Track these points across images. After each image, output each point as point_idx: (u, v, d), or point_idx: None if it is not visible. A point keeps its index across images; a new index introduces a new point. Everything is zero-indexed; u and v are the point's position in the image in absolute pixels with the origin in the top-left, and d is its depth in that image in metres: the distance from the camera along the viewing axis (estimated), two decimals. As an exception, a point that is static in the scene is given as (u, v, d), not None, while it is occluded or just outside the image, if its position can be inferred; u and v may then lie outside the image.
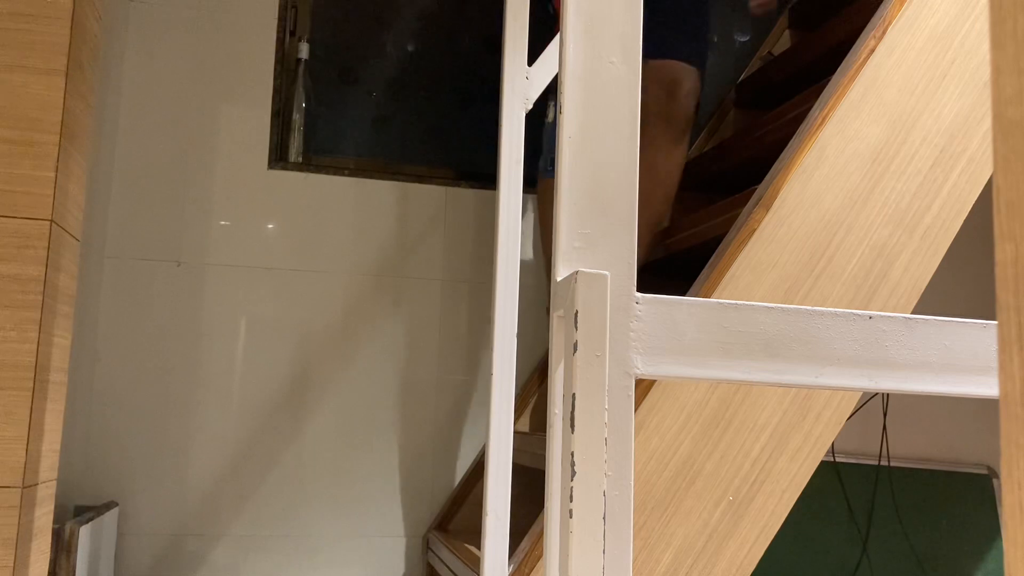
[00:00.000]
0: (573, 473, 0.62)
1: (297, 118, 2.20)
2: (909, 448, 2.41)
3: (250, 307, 2.09)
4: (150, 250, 2.05)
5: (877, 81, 1.41)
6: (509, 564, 1.35)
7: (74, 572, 1.52)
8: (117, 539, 1.95)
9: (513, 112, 1.41)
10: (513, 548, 1.37)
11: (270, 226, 2.12)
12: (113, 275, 2.02)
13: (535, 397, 2.15)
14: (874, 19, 1.45)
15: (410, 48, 2.32)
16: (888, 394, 2.39)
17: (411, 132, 2.29)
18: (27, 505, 1.07)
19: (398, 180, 2.22)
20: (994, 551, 2.38)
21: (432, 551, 2.04)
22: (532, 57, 1.45)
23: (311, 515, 2.07)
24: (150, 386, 2.02)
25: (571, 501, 0.62)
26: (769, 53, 2.43)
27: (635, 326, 0.64)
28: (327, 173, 2.18)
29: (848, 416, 1.36)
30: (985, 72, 1.44)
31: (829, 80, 1.48)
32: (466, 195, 2.25)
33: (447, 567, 1.84)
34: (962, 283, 2.47)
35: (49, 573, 1.38)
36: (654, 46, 1.89)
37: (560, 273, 0.66)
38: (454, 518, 2.11)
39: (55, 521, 1.53)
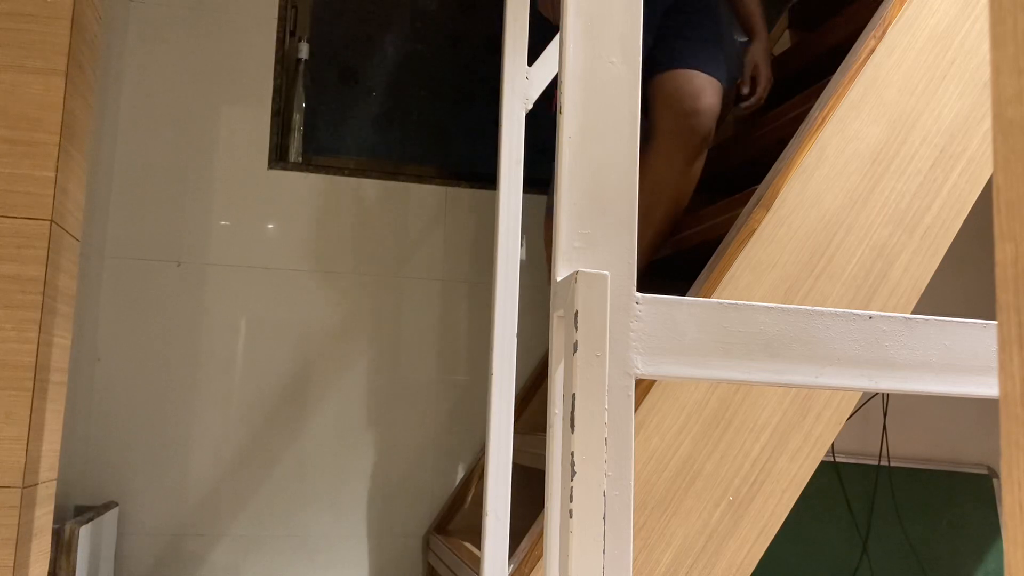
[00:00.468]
0: (573, 473, 0.62)
1: (297, 118, 2.20)
2: (909, 448, 2.41)
3: (250, 307, 2.09)
4: (150, 250, 2.05)
5: (877, 81, 1.41)
6: (509, 564, 1.35)
7: (74, 572, 1.52)
8: (117, 539, 1.95)
9: (513, 112, 1.41)
10: (513, 548, 1.37)
11: (270, 226, 2.12)
12: (113, 275, 2.02)
13: (535, 397, 2.15)
14: (874, 19, 1.45)
15: (410, 48, 2.32)
16: (888, 394, 2.39)
17: (411, 132, 2.29)
18: (27, 505, 1.07)
19: (398, 180, 2.22)
20: (994, 551, 2.38)
21: (432, 551, 2.04)
22: (532, 57, 1.45)
23: (311, 515, 2.07)
24: (150, 386, 2.02)
25: (571, 501, 0.62)
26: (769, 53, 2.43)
27: (635, 326, 0.64)
28: (327, 173, 2.18)
29: (848, 416, 1.36)
30: (985, 72, 1.44)
31: (829, 80, 1.48)
32: (466, 195, 2.25)
33: (447, 567, 1.84)
34: (962, 283, 2.47)
35: (49, 573, 1.38)
36: (668, 57, 1.76)
37: (560, 273, 0.66)
38: (454, 518, 2.11)
39: (55, 521, 1.53)
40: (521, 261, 2.21)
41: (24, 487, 1.06)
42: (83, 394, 1.92)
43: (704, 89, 1.72)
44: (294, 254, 2.13)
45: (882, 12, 1.44)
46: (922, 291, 1.40)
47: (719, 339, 0.65)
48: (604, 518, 0.62)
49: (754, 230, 1.34)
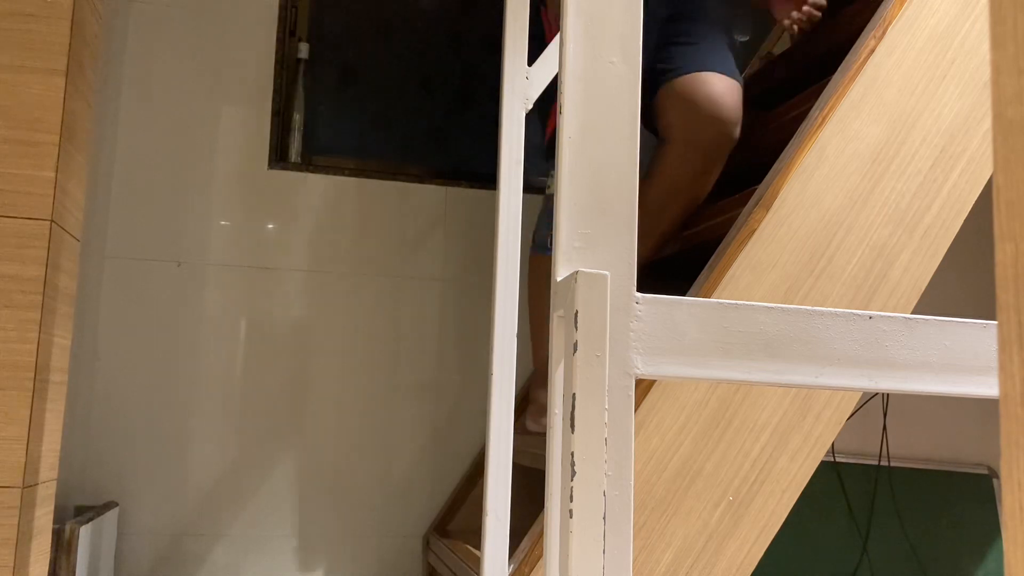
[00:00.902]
0: (573, 473, 0.62)
1: (297, 118, 2.20)
2: (909, 448, 2.41)
3: (250, 307, 2.09)
4: (150, 250, 2.05)
5: (877, 81, 1.41)
6: (509, 564, 1.35)
7: (74, 572, 1.52)
8: (117, 539, 1.95)
9: (513, 112, 1.41)
10: (513, 548, 1.37)
11: (270, 226, 2.12)
12: (113, 275, 2.02)
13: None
14: (874, 19, 1.45)
15: (410, 48, 2.32)
16: (888, 394, 2.39)
17: (411, 132, 2.29)
18: (27, 505, 1.07)
19: (398, 180, 2.22)
20: (994, 551, 2.38)
21: (432, 551, 2.04)
22: (532, 57, 1.45)
23: (311, 515, 2.07)
24: (150, 386, 2.02)
25: (571, 501, 0.62)
26: (769, 53, 2.43)
27: (635, 326, 0.64)
28: (327, 173, 2.18)
29: (848, 416, 1.36)
30: (985, 72, 1.44)
31: (829, 80, 1.48)
32: (466, 195, 2.25)
33: (447, 567, 1.84)
34: (962, 283, 2.47)
35: (49, 573, 1.38)
36: (679, 63, 1.67)
37: (560, 273, 0.66)
38: (454, 518, 2.11)
39: (55, 521, 1.53)
40: (521, 261, 2.21)
41: (24, 487, 1.06)
42: (83, 394, 1.92)
43: (727, 93, 1.63)
44: (294, 254, 2.13)
45: (882, 12, 1.44)
46: (922, 291, 1.40)
47: (719, 339, 0.65)
48: (604, 518, 0.62)
49: (754, 230, 1.34)
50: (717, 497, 1.30)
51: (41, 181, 1.10)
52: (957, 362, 0.68)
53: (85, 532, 1.58)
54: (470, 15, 2.37)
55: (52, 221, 1.10)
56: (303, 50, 2.22)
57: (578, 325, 0.63)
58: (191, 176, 2.09)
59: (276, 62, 2.17)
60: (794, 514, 1.35)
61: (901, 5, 1.43)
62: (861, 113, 1.40)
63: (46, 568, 1.17)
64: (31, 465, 1.08)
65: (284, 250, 2.12)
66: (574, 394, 0.62)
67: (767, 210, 1.35)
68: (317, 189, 2.16)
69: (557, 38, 1.23)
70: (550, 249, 1.78)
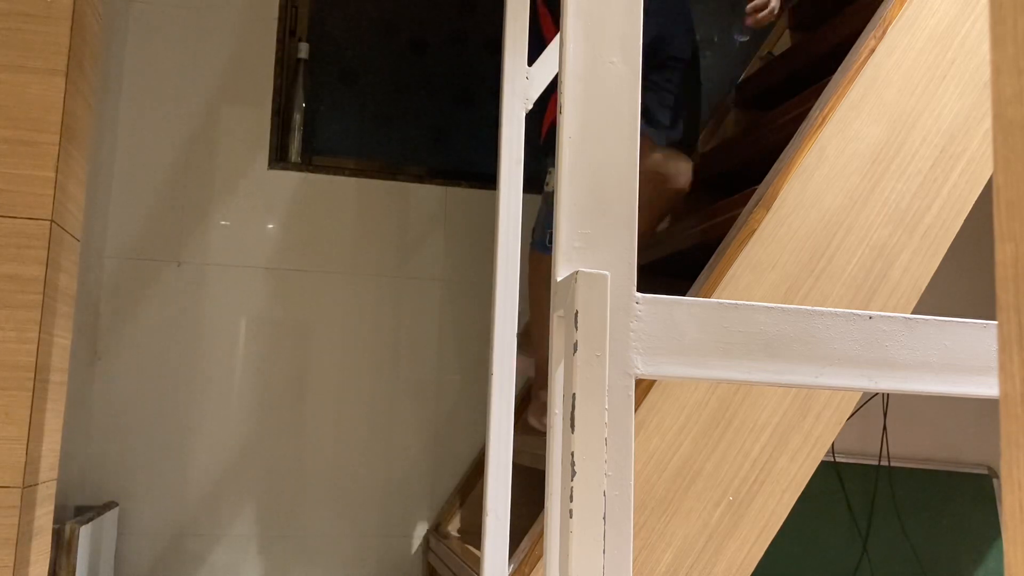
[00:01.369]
0: (573, 473, 0.62)
1: (297, 118, 2.20)
2: (909, 448, 2.41)
3: (250, 307, 2.09)
4: (150, 250, 2.05)
5: (877, 81, 1.41)
6: (509, 564, 1.35)
7: (74, 572, 1.52)
8: (117, 539, 1.95)
9: (513, 112, 1.41)
10: (513, 548, 1.37)
11: (270, 226, 2.12)
12: (113, 275, 2.02)
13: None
14: (874, 19, 1.45)
15: (410, 48, 2.32)
16: (888, 394, 2.39)
17: (411, 132, 2.29)
18: (27, 505, 1.07)
19: (398, 180, 2.22)
20: (994, 551, 2.38)
21: (432, 551, 2.04)
22: (532, 57, 1.45)
23: (311, 515, 2.07)
24: (150, 386, 2.02)
25: (571, 501, 0.62)
26: (769, 53, 2.43)
27: (635, 326, 0.64)
28: (327, 173, 2.18)
29: (848, 416, 1.36)
30: (985, 72, 1.44)
31: (829, 80, 1.48)
32: (466, 195, 2.25)
33: (447, 567, 1.84)
34: (962, 283, 2.47)
35: (49, 573, 1.38)
36: (646, 120, 1.74)
37: (560, 273, 0.66)
38: (454, 518, 2.11)
39: (55, 521, 1.53)
40: (521, 261, 2.21)
41: (24, 487, 1.06)
42: (83, 394, 1.92)
43: (681, 173, 1.78)
44: (294, 254, 2.13)
45: (882, 12, 1.44)
46: (922, 291, 1.40)
47: (719, 339, 0.65)
48: (604, 518, 0.62)
49: (754, 230, 1.34)
50: (717, 497, 1.30)
51: (41, 181, 1.10)
52: (957, 362, 0.68)
53: (85, 532, 1.58)
54: (470, 15, 2.37)
55: (52, 221, 1.10)
56: (303, 50, 2.22)
57: (578, 325, 0.63)
58: (191, 176, 2.09)
59: (276, 62, 2.17)
60: (794, 514, 1.35)
61: (901, 5, 1.43)
62: (861, 113, 1.40)
63: (46, 568, 1.17)
64: (31, 465, 1.08)
65: (284, 250, 2.12)
66: (574, 394, 0.62)
67: (767, 210, 1.35)
68: (317, 189, 2.16)
69: (557, 38, 1.23)
70: (549, 247, 1.80)
